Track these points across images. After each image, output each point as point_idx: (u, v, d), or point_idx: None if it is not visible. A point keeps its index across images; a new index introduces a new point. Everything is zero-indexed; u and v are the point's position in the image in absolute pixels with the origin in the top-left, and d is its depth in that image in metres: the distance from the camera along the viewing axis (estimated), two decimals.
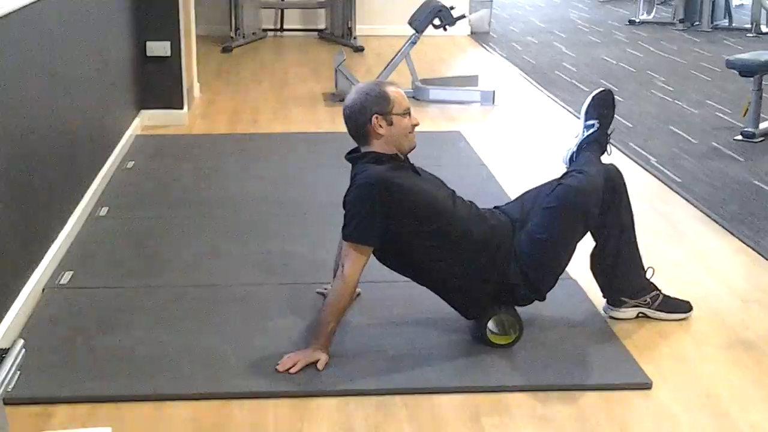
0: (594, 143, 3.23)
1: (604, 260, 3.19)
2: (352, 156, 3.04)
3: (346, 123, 3.02)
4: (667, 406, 2.74)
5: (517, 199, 3.24)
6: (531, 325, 3.14)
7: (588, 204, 3.01)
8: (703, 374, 2.92)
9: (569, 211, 3.00)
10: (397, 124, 2.97)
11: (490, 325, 3.01)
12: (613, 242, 3.15)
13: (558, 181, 3.08)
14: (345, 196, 2.95)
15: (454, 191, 3.10)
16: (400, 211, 2.89)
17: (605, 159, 3.22)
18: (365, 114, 2.95)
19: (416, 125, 3.03)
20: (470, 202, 3.12)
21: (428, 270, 3.01)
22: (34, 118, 3.47)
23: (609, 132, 3.27)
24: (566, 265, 3.08)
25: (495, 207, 3.20)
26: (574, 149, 3.25)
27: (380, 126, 2.95)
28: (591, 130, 3.24)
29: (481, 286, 3.00)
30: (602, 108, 3.28)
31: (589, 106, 3.29)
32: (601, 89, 3.34)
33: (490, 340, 3.01)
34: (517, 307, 3.05)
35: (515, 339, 3.02)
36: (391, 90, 2.99)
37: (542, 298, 3.07)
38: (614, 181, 3.11)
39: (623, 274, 3.20)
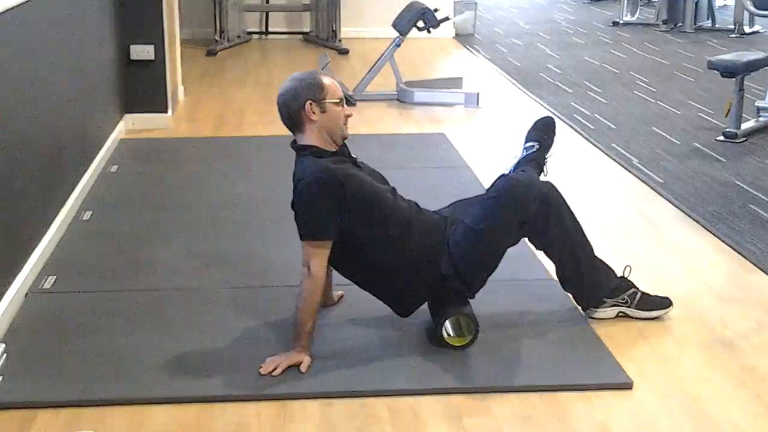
0: (532, 162, 3.31)
1: (568, 277, 3.22)
2: (296, 146, 3.06)
3: (280, 110, 3.05)
4: (647, 406, 2.76)
5: (449, 205, 3.28)
6: (512, 325, 3.16)
7: (526, 196, 3.03)
8: (684, 374, 2.94)
9: (507, 200, 3.04)
10: (330, 112, 3.00)
11: (447, 326, 3.03)
12: (569, 257, 3.16)
13: (500, 176, 3.14)
14: (295, 194, 2.97)
15: (395, 188, 3.14)
16: (352, 201, 2.92)
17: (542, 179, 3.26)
18: (299, 100, 2.99)
19: (349, 116, 3.07)
20: (409, 200, 3.16)
21: (367, 265, 3.04)
22: (16, 122, 3.46)
23: (547, 155, 3.34)
24: (497, 261, 3.08)
25: (434, 212, 3.23)
26: (512, 168, 3.32)
27: (313, 112, 2.99)
28: (530, 151, 3.33)
29: (417, 280, 3.04)
30: (543, 132, 3.37)
31: (530, 130, 3.40)
32: (545, 116, 3.44)
33: (447, 342, 3.02)
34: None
35: (470, 341, 3.02)
36: (325, 79, 3.04)
37: (472, 295, 3.09)
38: (548, 196, 3.09)
39: (591, 282, 3.21)
